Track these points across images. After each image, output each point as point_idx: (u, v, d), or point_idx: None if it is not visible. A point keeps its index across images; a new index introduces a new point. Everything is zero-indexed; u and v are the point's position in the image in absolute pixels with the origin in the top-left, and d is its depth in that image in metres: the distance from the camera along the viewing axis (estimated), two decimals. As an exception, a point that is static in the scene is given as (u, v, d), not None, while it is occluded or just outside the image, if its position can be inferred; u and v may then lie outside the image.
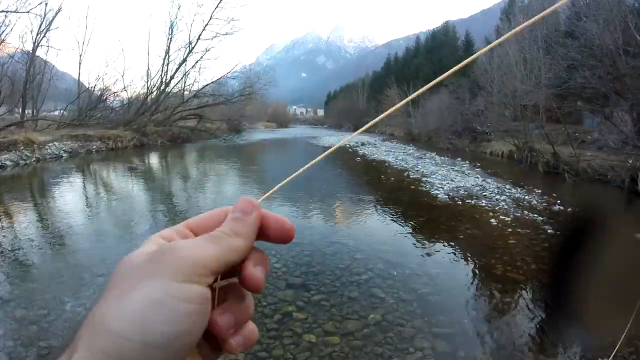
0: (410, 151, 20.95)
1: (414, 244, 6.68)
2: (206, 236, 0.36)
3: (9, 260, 6.20)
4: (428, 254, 6.23)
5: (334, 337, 3.97)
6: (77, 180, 13.23)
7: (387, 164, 16.23)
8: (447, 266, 5.77)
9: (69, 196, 10.76)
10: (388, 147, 23.77)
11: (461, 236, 6.99)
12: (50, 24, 22.10)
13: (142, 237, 7.08)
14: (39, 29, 21.72)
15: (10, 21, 19.24)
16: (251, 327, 0.40)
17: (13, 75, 20.15)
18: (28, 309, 4.64)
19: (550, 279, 5.46)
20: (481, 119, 21.83)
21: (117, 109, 26.39)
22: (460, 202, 9.19)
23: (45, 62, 23.32)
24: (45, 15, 21.77)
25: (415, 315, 4.31)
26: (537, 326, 4.29)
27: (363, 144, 24.88)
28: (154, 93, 26.38)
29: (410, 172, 13.66)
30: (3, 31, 18.50)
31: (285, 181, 0.44)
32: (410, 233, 7.25)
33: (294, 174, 0.44)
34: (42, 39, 21.94)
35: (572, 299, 4.59)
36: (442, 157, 17.73)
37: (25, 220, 8.38)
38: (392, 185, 12.02)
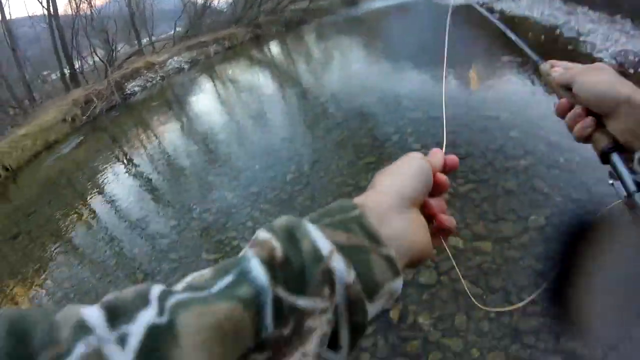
0: (557, 5, 16.43)
1: None
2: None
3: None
4: None
5: (485, 242, 3.02)
6: (205, 85, 13.51)
7: (531, 21, 12.81)
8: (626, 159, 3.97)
9: (203, 101, 11.01)
10: (529, 1, 19.27)
11: None
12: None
13: (284, 118, 6.97)
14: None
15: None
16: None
17: (119, 14, 20.78)
18: (161, 223, 4.88)
19: None
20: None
21: (225, 9, 26.09)
22: (632, 71, 6.54)
23: None
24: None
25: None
26: None
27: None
28: (258, -16, 25.13)
29: (562, 30, 10.49)
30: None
31: None
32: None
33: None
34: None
35: None
36: (597, 13, 13.39)
37: (167, 131, 8.91)
38: (543, 45, 9.28)
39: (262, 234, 0.36)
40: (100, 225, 5.62)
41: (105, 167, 7.85)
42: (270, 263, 0.33)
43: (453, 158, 0.54)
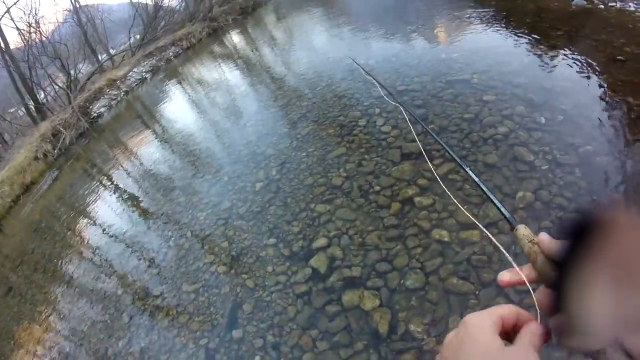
0: None
1: (559, 71, 4.48)
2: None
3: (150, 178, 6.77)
4: (582, 87, 4.04)
5: (472, 231, 2.80)
6: (168, 93, 13.02)
7: None
8: (613, 108, 3.57)
9: (167, 112, 10.69)
10: None
11: (620, 57, 4.32)
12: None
13: (249, 115, 6.84)
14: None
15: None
16: None
17: (72, 36, 20.53)
18: (140, 258, 4.76)
19: None
20: None
21: (177, 7, 25.26)
22: (602, 6, 5.97)
23: (88, 7, 22.63)
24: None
25: (579, 192, 2.75)
26: None
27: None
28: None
29: None
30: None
31: None
32: (550, 55, 4.91)
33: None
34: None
35: None
36: None
37: (135, 152, 8.76)
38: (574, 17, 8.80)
39: None
40: (81, 267, 5.46)
41: (82, 200, 7.69)
42: None
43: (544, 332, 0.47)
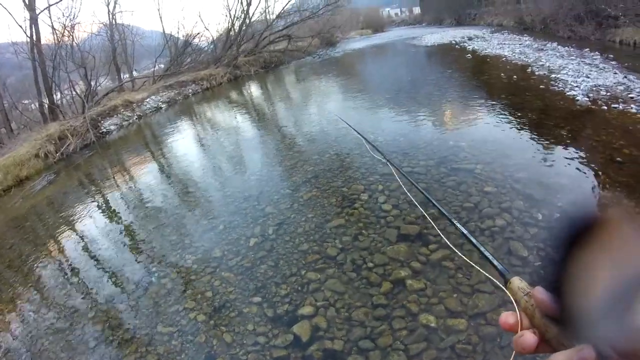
0: (527, 42, 16.86)
1: (558, 168, 4.75)
2: None
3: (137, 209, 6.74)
4: (579, 186, 4.30)
5: (459, 320, 2.87)
6: (179, 129, 13.28)
7: (504, 60, 13.29)
8: (608, 208, 3.76)
9: (175, 147, 10.81)
10: (499, 39, 19.60)
11: (619, 158, 4.72)
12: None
13: (254, 169, 7.26)
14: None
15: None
16: None
17: (101, 49, 21.15)
18: (119, 286, 4.65)
19: None
20: (611, -1, 16.61)
21: (205, 48, 26.22)
22: (605, 107, 6.55)
23: (123, 26, 23.39)
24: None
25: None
26: None
27: (470, 39, 21.22)
28: (236, 25, 25.49)
29: (534, 68, 10.79)
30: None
31: None
32: (552, 151, 5.25)
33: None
34: (114, 6, 21.92)
35: None
36: (566, 48, 13.77)
37: (137, 178, 8.80)
38: (517, 85, 9.52)
39: None
40: (56, 279, 5.30)
41: (73, 212, 7.60)
42: None
43: None
